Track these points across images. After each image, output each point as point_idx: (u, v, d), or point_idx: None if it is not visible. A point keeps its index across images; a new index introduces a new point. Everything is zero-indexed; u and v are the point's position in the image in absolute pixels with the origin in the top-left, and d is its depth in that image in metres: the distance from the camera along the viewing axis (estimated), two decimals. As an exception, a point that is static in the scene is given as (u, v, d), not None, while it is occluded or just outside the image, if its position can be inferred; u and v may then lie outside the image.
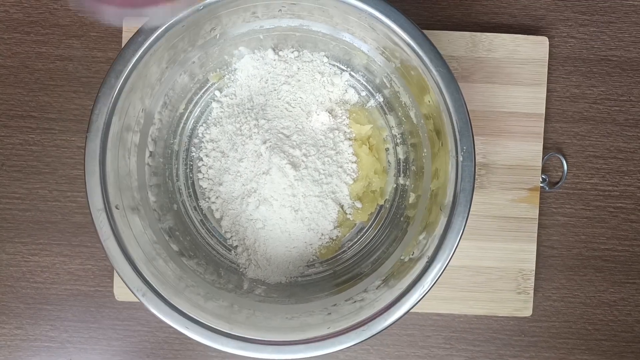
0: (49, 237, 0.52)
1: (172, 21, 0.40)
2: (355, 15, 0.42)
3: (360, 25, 0.43)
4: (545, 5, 0.53)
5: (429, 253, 0.40)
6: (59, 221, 0.52)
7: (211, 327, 0.39)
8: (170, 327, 0.39)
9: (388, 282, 0.43)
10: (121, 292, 0.50)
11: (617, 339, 0.53)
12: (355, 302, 0.43)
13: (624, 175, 0.53)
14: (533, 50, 0.50)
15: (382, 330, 0.39)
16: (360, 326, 0.39)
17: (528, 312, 0.50)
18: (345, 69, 0.50)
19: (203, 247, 0.49)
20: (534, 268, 0.50)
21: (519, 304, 0.50)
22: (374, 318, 0.39)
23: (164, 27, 0.40)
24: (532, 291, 0.50)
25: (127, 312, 0.52)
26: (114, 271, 0.47)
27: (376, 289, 0.43)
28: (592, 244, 0.53)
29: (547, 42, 0.50)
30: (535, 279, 0.50)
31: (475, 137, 0.40)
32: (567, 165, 0.52)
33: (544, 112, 0.51)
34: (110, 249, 0.39)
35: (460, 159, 0.39)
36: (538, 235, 0.51)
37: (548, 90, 0.52)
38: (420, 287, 0.40)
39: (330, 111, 0.49)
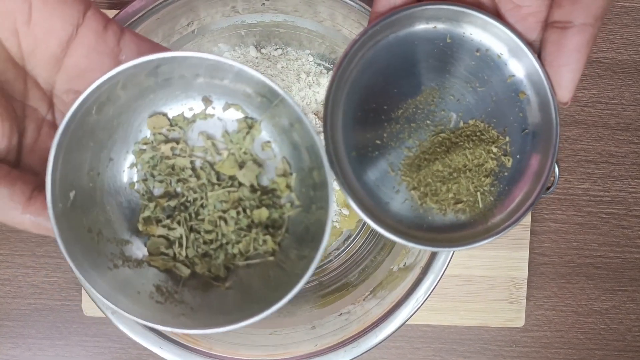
0: (10, 247, 0.49)
1: (143, 14, 0.37)
2: (343, 10, 0.40)
3: (349, 22, 0.41)
4: (536, 5, 0.51)
5: (422, 263, 0.38)
6: (22, 230, 0.48)
7: (188, 346, 0.36)
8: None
9: (377, 293, 0.41)
10: (90, 306, 0.46)
11: (609, 348, 0.52)
12: (341, 314, 0.41)
13: (615, 180, 0.52)
14: (525, 50, 0.49)
15: (373, 347, 0.37)
16: (350, 342, 0.37)
17: (520, 323, 0.49)
18: (331, 68, 0.47)
19: (179, 258, 0.46)
20: (527, 276, 0.49)
21: (511, 314, 0.49)
22: (365, 334, 0.37)
23: (134, 20, 0.37)
24: (525, 301, 0.49)
25: (96, 328, 0.49)
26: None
27: (365, 301, 0.41)
28: (584, 250, 0.51)
29: (539, 43, 0.49)
30: (527, 288, 0.49)
31: (469, 141, 0.38)
32: (559, 170, 0.51)
33: (536, 114, 0.49)
34: (76, 262, 0.36)
35: (455, 163, 0.37)
36: (529, 243, 0.49)
37: (539, 93, 0.50)
38: (414, 299, 0.38)
39: (317, 113, 0.47)
